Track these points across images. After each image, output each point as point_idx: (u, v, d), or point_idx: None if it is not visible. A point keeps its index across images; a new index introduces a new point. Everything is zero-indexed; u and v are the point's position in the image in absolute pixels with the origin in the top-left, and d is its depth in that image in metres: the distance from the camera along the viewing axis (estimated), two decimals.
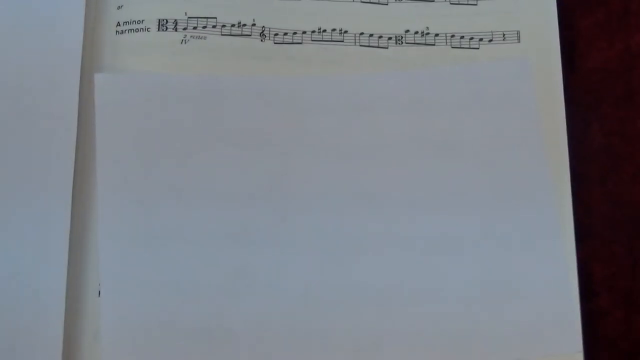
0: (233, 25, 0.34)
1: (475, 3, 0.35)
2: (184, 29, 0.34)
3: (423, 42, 0.35)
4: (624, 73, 0.35)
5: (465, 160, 0.33)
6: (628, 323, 0.33)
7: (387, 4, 0.35)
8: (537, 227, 0.32)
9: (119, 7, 0.33)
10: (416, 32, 0.34)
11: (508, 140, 0.33)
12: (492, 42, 0.34)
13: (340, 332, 0.31)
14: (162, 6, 0.34)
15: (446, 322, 0.31)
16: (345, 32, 0.34)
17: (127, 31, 0.33)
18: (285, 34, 0.34)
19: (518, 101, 0.33)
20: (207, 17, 0.34)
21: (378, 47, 0.35)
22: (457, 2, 0.35)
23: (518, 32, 0.34)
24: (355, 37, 0.34)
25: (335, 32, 0.34)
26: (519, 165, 0.33)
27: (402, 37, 0.34)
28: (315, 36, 0.34)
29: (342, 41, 0.34)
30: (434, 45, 0.34)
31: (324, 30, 0.35)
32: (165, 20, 0.33)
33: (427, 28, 0.35)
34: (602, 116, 0.35)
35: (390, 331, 0.31)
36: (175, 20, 0.33)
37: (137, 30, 0.33)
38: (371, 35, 0.34)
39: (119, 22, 0.33)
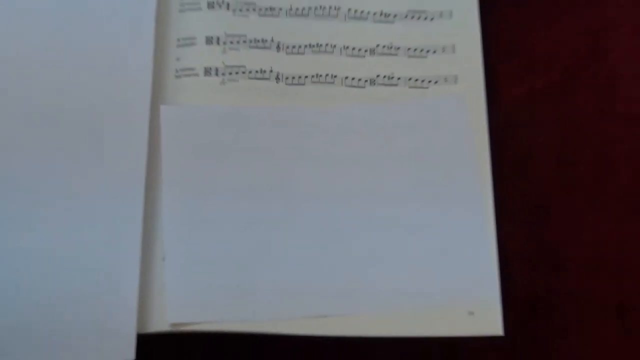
0: (257, 72, 0.42)
1: (426, 56, 0.42)
2: (223, 74, 0.41)
3: (389, 83, 0.42)
4: (529, 105, 0.43)
5: (420, 167, 0.40)
6: (530, 280, 0.40)
7: (364, 57, 0.42)
8: (469, 213, 0.40)
9: (177, 59, 0.41)
10: (385, 76, 0.42)
11: (449, 152, 0.40)
12: (437, 84, 0.42)
13: (330, 285, 0.38)
14: (206, 58, 0.42)
15: (403, 278, 0.38)
16: (335, 76, 0.42)
17: (182, 76, 0.41)
18: (293, 77, 0.42)
19: (456, 125, 0.41)
20: (239, 66, 0.42)
21: (358, 87, 0.42)
22: (413, 55, 0.42)
23: (456, 76, 0.42)
24: (342, 80, 0.42)
25: (328, 76, 0.42)
26: (457, 169, 0.40)
27: (375, 80, 0.42)
28: (314, 79, 0.42)
29: (333, 83, 0.42)
30: (397, 85, 0.42)
31: (320, 75, 0.42)
32: (209, 68, 0.41)
33: (392, 73, 0.42)
34: (513, 135, 0.42)
35: (363, 282, 0.38)
36: (217, 68, 0.41)
37: (189, 75, 0.41)
38: (353, 78, 0.42)
39: (177, 69, 0.41)
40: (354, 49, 0.43)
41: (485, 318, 0.38)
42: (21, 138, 0.42)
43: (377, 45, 0.43)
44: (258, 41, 0.43)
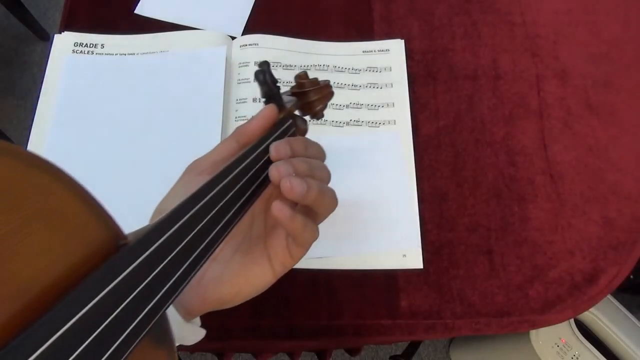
0: None
1: (377, 109, 0.56)
2: None
3: (357, 124, 0.55)
4: (436, 137, 0.56)
5: (376, 171, 0.53)
6: (437, 235, 0.52)
7: (342, 109, 0.55)
8: (403, 197, 0.52)
9: (236, 111, 0.55)
10: (354, 120, 0.55)
11: (392, 164, 0.53)
12: (384, 125, 0.55)
13: (327, 240, 0.45)
14: (253, 110, 0.54)
15: (368, 236, 0.49)
16: (326, 120, 0.55)
17: (239, 120, 0.54)
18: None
19: (395, 148, 0.54)
20: None
21: (339, 126, 0.55)
22: (371, 109, 0.56)
23: (395, 120, 0.55)
24: (330, 122, 0.55)
25: (328, 120, 0.54)
26: (397, 173, 0.53)
27: (349, 122, 0.55)
28: (315, 122, 0.53)
29: (325, 124, 0.55)
30: (362, 126, 0.55)
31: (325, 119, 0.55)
32: None
33: (359, 119, 0.55)
34: (427, 154, 0.55)
35: (345, 238, 0.49)
36: None
37: (243, 119, 0.54)
38: (336, 121, 0.55)
39: (235, 117, 0.54)
40: (337, 105, 0.56)
41: (413, 258, 0.50)
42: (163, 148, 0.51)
43: (350, 103, 0.56)
44: None
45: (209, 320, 0.49)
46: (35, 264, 0.17)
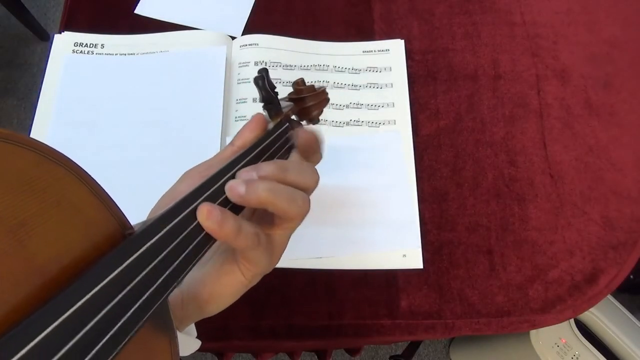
0: None
1: (378, 109, 0.56)
2: None
3: (357, 124, 0.55)
4: (436, 137, 0.56)
5: (375, 171, 0.53)
6: (437, 235, 0.52)
7: (343, 110, 0.56)
8: (403, 197, 0.52)
9: (236, 111, 0.55)
10: (354, 120, 0.56)
11: (392, 163, 0.53)
12: (384, 124, 0.55)
13: (324, 240, 0.48)
14: (253, 110, 0.54)
15: (367, 236, 0.49)
16: (326, 120, 0.55)
17: (239, 120, 0.54)
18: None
19: (395, 148, 0.55)
20: None
21: (339, 126, 0.55)
22: (371, 109, 0.56)
23: (395, 120, 0.56)
24: (330, 122, 0.55)
25: (322, 120, 0.54)
26: (397, 173, 0.53)
27: (349, 122, 0.55)
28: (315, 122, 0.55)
29: (325, 124, 0.55)
30: (362, 126, 0.55)
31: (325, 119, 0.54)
32: None
33: (359, 119, 0.55)
34: (427, 154, 0.56)
35: (344, 238, 0.49)
36: None
37: (243, 119, 0.54)
38: (336, 121, 0.55)
39: (235, 117, 0.55)
40: (337, 104, 0.56)
41: (413, 258, 0.50)
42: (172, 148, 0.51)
43: (350, 103, 0.57)
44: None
45: (209, 320, 0.49)
46: (52, 248, 0.19)
